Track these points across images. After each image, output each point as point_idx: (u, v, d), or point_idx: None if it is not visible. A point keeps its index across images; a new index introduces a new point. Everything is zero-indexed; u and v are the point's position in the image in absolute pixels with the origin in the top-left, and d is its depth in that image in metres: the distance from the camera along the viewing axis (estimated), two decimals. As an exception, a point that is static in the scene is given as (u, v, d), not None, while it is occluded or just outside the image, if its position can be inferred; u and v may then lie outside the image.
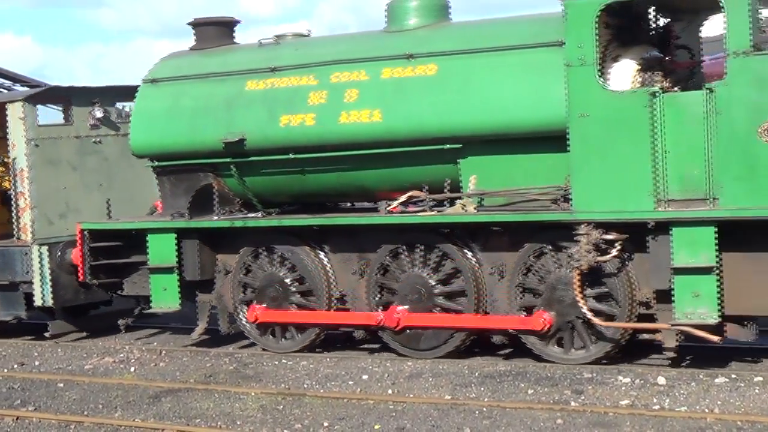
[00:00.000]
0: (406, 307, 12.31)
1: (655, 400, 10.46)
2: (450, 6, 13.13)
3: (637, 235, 11.17)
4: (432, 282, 12.23)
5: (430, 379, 11.75)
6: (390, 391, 11.45)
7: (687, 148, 10.85)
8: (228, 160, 13.21)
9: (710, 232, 10.70)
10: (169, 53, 14.34)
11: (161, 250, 13.43)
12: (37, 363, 14.00)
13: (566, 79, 11.15)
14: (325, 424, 10.36)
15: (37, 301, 14.76)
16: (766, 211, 10.49)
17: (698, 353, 11.99)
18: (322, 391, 11.61)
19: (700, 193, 10.81)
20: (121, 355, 13.95)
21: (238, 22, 14.26)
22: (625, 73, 11.49)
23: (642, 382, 11.06)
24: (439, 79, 12.09)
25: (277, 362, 12.96)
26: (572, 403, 10.47)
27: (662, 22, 12.37)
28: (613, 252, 11.19)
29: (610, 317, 11.50)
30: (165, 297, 13.53)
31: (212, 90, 13.37)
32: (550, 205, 11.60)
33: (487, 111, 11.75)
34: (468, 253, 12.09)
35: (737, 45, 10.55)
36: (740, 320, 11.20)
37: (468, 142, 11.94)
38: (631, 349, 12.08)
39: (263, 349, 13.34)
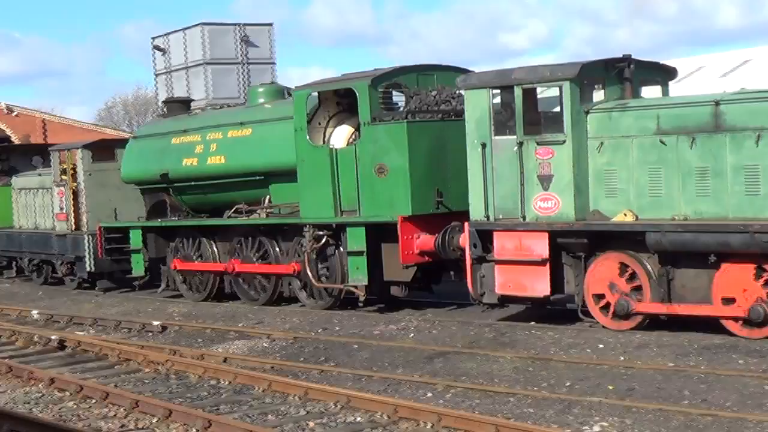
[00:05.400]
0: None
1: None
2: (285, 90, 20.37)
3: (338, 233, 17.99)
4: (254, 257, 19.55)
5: (655, 349, 13.03)
6: (621, 358, 12.75)
7: (349, 181, 17.41)
8: (165, 185, 21.36)
9: (362, 230, 17.25)
10: (149, 120, 22.84)
11: (135, 239, 21.74)
12: (336, 329, 16.47)
13: (295, 139, 18.25)
14: (567, 383, 11.63)
15: (88, 268, 23.20)
16: (379, 218, 16.93)
17: None
18: (565, 356, 13.02)
19: (355, 207, 17.41)
20: (402, 324, 16.31)
21: (192, 100, 22.41)
22: (341, 134, 18.09)
23: None
24: (253, 138, 19.42)
25: (528, 332, 14.73)
26: (779, 373, 11.41)
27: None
28: (323, 242, 17.95)
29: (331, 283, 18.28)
30: (137, 268, 21.83)
31: (158, 143, 21.44)
32: (306, 213, 18.76)
33: (273, 156, 18.84)
34: (275, 242, 19.34)
35: (364, 117, 17.09)
36: (396, 284, 17.67)
37: (268, 175, 19.19)
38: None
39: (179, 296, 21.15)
